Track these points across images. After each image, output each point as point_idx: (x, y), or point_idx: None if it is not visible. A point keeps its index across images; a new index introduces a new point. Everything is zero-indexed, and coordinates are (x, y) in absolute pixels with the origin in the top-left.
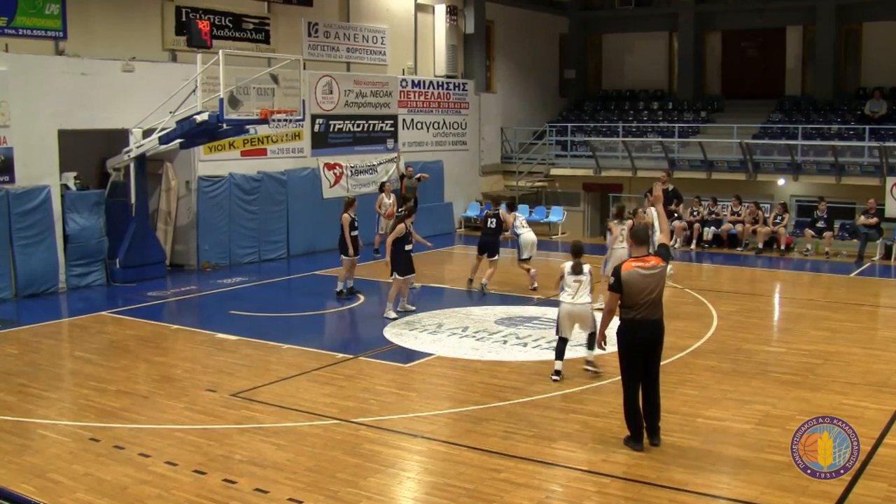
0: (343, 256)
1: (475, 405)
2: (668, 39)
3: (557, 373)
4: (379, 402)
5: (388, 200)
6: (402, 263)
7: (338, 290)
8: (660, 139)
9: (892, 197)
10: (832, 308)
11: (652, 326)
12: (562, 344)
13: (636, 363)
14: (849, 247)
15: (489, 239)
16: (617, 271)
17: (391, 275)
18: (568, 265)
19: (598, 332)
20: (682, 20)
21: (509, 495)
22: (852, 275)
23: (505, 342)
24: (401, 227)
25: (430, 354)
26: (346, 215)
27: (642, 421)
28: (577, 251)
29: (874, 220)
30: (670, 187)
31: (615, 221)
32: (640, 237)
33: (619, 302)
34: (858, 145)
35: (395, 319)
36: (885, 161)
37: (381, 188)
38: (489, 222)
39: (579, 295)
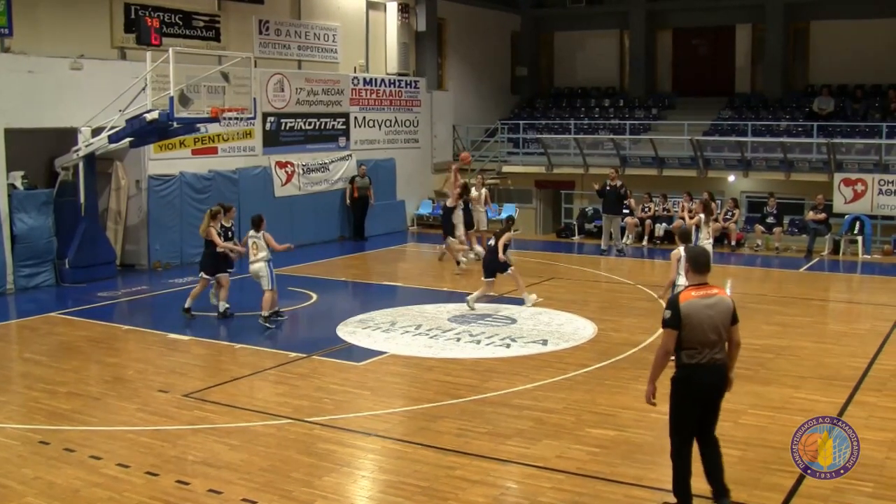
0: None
1: (429, 403)
2: (620, 37)
3: None
4: (333, 401)
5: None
6: None
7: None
8: (611, 136)
9: (840, 193)
10: (783, 303)
11: (718, 371)
12: None
13: (693, 417)
14: (798, 242)
15: (494, 256)
16: (674, 303)
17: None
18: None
19: (650, 377)
20: (633, 18)
21: (464, 492)
22: (802, 270)
23: (458, 340)
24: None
25: (384, 353)
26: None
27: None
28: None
29: (823, 215)
30: (619, 183)
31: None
32: (700, 262)
33: (675, 343)
34: (807, 142)
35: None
36: (833, 157)
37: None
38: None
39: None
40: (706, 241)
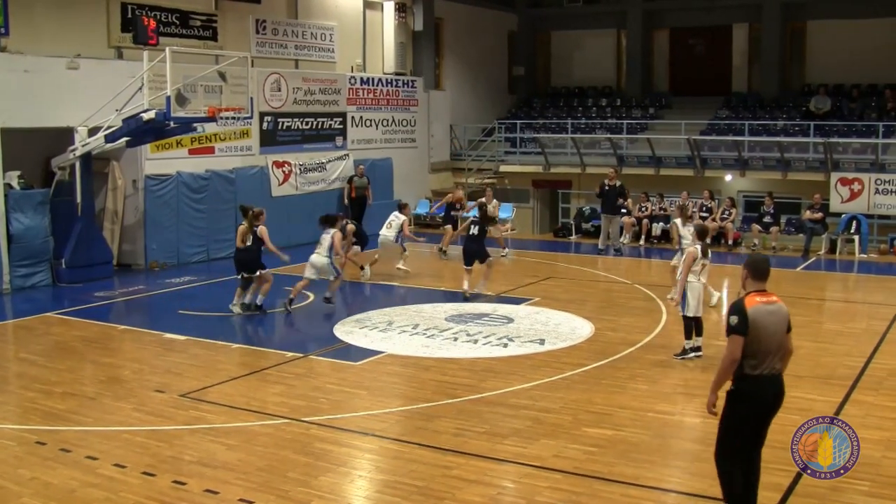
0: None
1: (426, 402)
2: (617, 37)
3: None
4: (329, 401)
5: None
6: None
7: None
8: (608, 136)
9: (837, 192)
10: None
11: (778, 383)
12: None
13: (750, 434)
14: (795, 241)
15: (475, 246)
16: (740, 308)
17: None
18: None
19: (713, 385)
20: (630, 18)
21: (461, 492)
22: (799, 269)
23: (455, 339)
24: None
25: (381, 352)
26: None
27: None
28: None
29: (819, 214)
30: (617, 183)
31: (678, 223)
32: (761, 268)
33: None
34: (804, 141)
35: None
36: (830, 157)
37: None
38: (471, 229)
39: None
40: (687, 243)
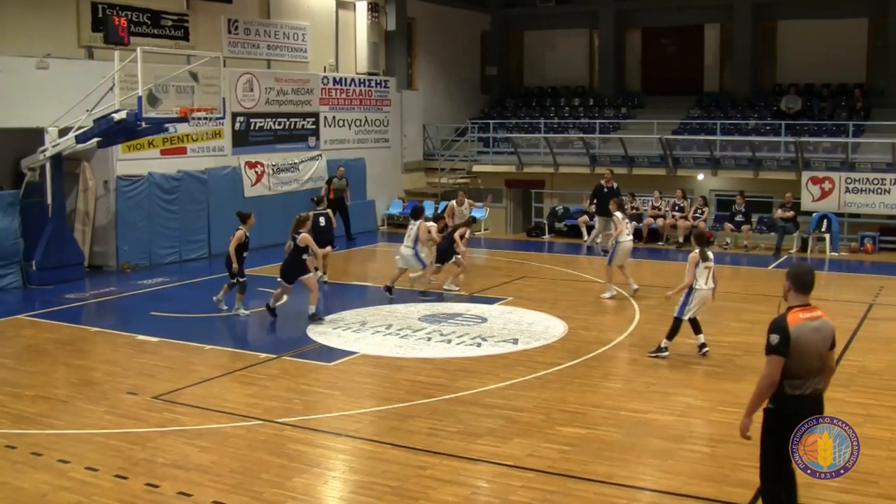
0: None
1: (400, 403)
2: (589, 36)
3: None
4: (303, 402)
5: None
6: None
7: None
8: (581, 135)
9: (808, 191)
10: (752, 300)
11: (819, 404)
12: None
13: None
14: (767, 240)
15: (445, 245)
16: (782, 326)
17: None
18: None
19: (748, 408)
20: (602, 17)
21: (435, 492)
22: (770, 267)
23: (429, 339)
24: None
25: (354, 353)
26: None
27: None
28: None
29: (791, 213)
30: (615, 185)
31: (619, 215)
32: (805, 280)
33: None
34: (775, 140)
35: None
36: (801, 156)
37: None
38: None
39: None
40: (627, 238)
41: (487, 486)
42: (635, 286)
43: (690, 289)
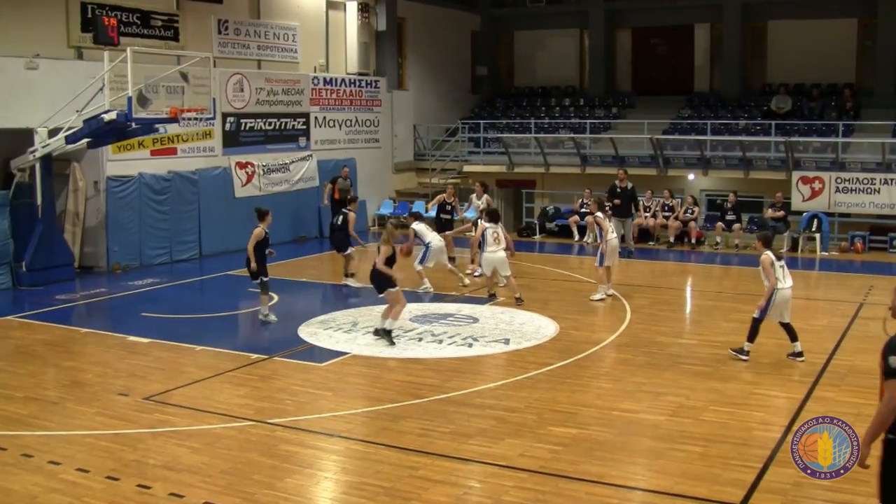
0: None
1: (391, 403)
2: (579, 36)
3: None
4: (294, 402)
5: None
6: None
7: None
8: (571, 135)
9: (798, 191)
10: (742, 300)
11: None
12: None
13: None
14: None
15: None
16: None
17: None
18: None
19: (860, 447)
20: (592, 17)
21: (427, 492)
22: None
23: (420, 339)
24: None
25: (346, 353)
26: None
27: None
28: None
29: (781, 213)
30: (629, 185)
31: (600, 215)
32: None
33: None
34: (765, 140)
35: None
36: (791, 155)
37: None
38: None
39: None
40: (612, 237)
41: (479, 487)
42: (611, 290)
43: (772, 293)
